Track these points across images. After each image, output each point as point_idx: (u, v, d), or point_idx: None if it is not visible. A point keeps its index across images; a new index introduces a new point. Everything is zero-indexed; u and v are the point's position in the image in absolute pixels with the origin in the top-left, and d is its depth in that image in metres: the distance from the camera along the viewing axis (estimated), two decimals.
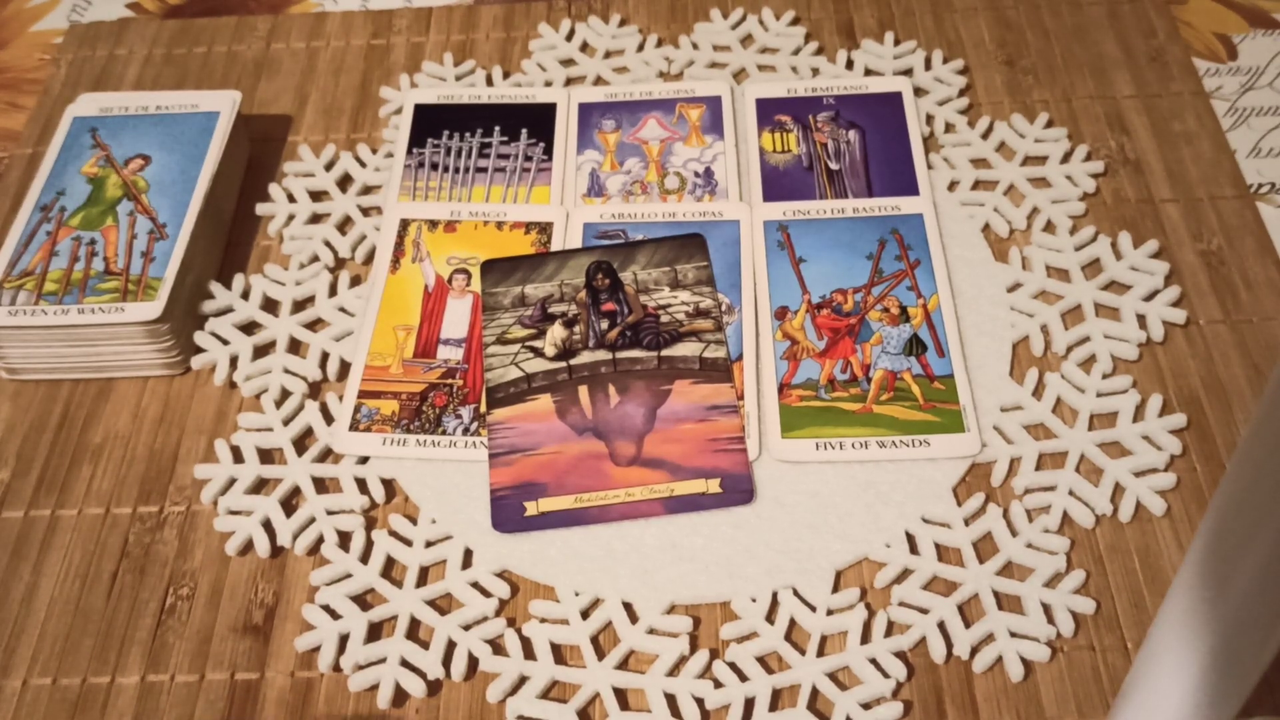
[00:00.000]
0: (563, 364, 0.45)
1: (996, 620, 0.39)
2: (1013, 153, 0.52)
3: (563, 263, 0.48)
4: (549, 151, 0.53)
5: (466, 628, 0.40)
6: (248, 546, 0.42)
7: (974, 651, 0.39)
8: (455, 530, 0.42)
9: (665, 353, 0.45)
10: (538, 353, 0.46)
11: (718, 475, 0.42)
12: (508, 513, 0.42)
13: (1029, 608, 0.39)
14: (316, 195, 0.53)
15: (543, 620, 0.40)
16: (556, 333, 0.46)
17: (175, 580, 0.42)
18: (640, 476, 0.43)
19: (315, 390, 0.47)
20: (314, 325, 0.48)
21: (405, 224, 0.50)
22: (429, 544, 0.42)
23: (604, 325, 0.46)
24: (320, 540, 0.42)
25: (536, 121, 0.54)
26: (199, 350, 0.48)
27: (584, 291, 0.47)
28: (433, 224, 0.50)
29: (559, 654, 0.39)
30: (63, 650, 0.40)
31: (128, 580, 0.42)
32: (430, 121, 0.54)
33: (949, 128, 0.53)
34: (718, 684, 0.38)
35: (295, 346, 0.48)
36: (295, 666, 0.40)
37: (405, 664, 0.39)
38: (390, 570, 0.42)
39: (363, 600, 0.41)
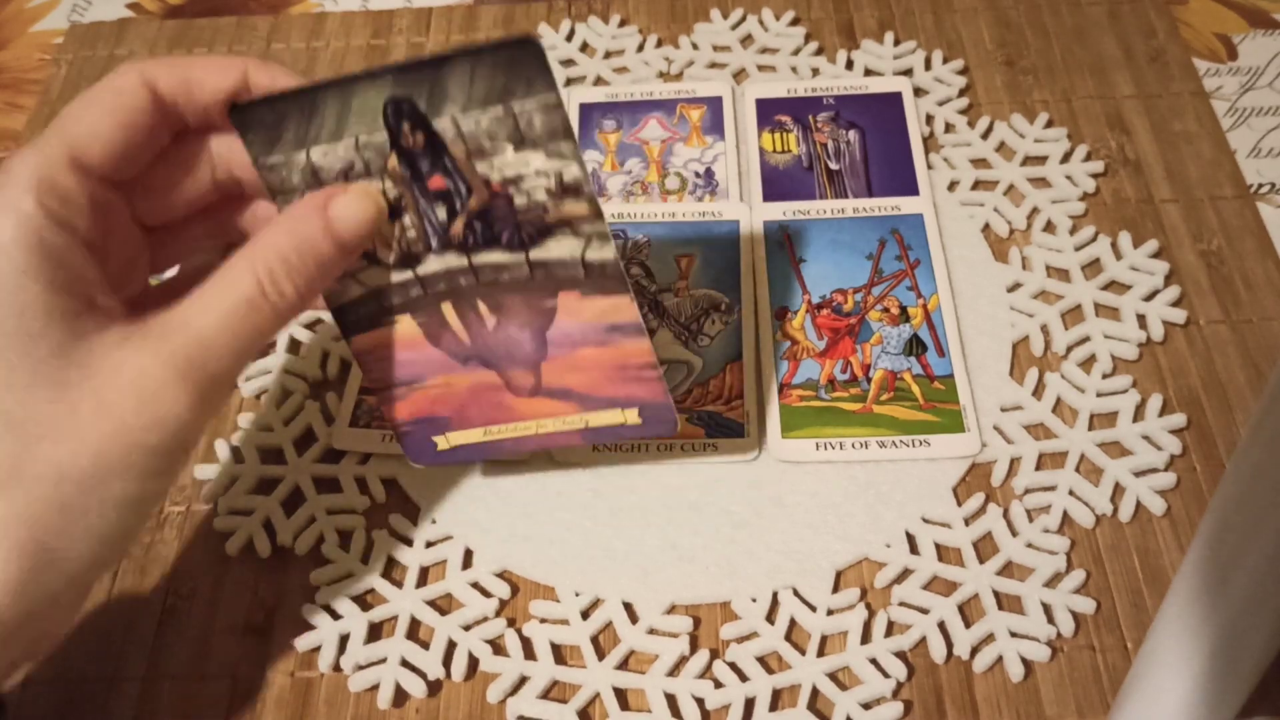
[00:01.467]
0: (409, 273, 0.36)
1: (997, 620, 0.39)
2: (1013, 153, 0.52)
3: (345, 100, 0.33)
4: None
5: (467, 628, 0.40)
6: (248, 546, 0.42)
7: (974, 651, 0.39)
8: (455, 530, 0.42)
9: (534, 254, 0.35)
10: (370, 257, 0.35)
11: (634, 404, 0.38)
12: (420, 446, 0.40)
13: (1029, 608, 0.39)
14: None
15: (543, 620, 0.40)
16: (384, 228, 0.35)
17: (175, 580, 0.42)
18: (548, 408, 0.38)
19: (316, 390, 0.47)
20: (314, 325, 0.48)
21: None
22: (429, 544, 0.42)
23: (441, 214, 0.35)
24: (321, 540, 0.42)
25: None
26: None
27: (394, 157, 0.34)
28: None
29: (559, 654, 0.39)
30: (63, 650, 0.40)
31: (128, 580, 0.42)
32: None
33: (949, 128, 0.53)
34: (718, 684, 0.38)
35: (295, 346, 0.48)
36: (295, 666, 0.40)
37: (405, 664, 0.39)
38: (390, 571, 0.42)
39: (363, 600, 0.41)
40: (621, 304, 0.36)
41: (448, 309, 0.36)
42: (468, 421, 0.39)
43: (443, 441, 0.39)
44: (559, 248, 0.35)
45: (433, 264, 0.36)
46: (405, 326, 0.37)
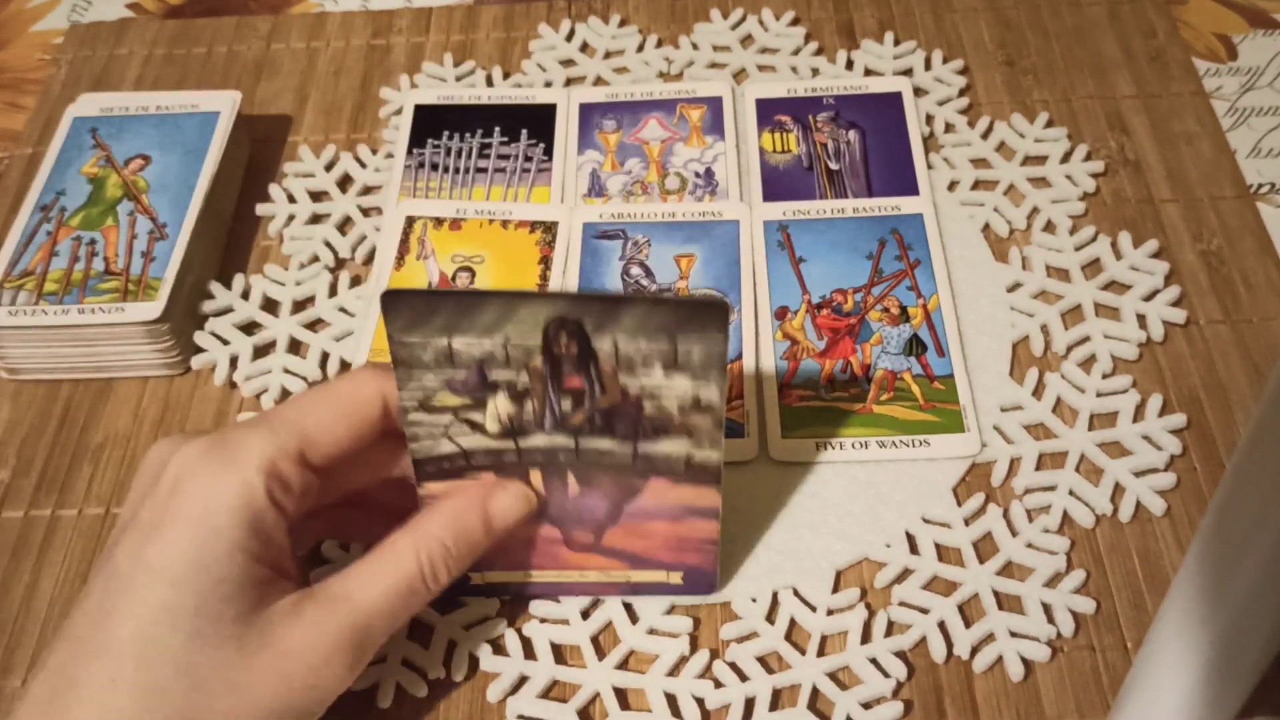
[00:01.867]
0: (509, 444, 0.35)
1: (997, 620, 0.39)
2: (1013, 153, 0.52)
3: (508, 311, 0.32)
4: (549, 152, 0.53)
5: (467, 628, 0.40)
6: None
7: (974, 651, 0.39)
8: None
9: (643, 448, 0.35)
10: (476, 427, 0.35)
11: (680, 569, 0.39)
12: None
13: (1029, 608, 0.39)
14: (317, 195, 0.53)
15: (543, 620, 0.40)
16: (501, 406, 0.34)
17: None
18: (598, 563, 0.38)
19: None
20: (314, 325, 0.48)
21: (410, 221, 0.50)
22: None
23: (566, 406, 0.34)
24: (320, 540, 0.42)
25: (537, 122, 0.54)
26: (199, 350, 0.48)
27: (540, 358, 0.33)
28: (438, 221, 0.50)
29: (559, 654, 0.39)
30: None
31: None
32: (430, 122, 0.54)
33: (949, 128, 0.53)
34: (718, 684, 0.38)
35: (295, 347, 0.48)
36: None
37: (406, 664, 0.39)
38: None
39: None
40: (708, 494, 0.36)
41: (534, 475, 0.36)
42: (512, 564, 0.39)
43: (478, 578, 0.39)
44: (669, 446, 0.35)
45: (538, 440, 0.35)
46: (485, 479, 0.36)
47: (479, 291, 0.34)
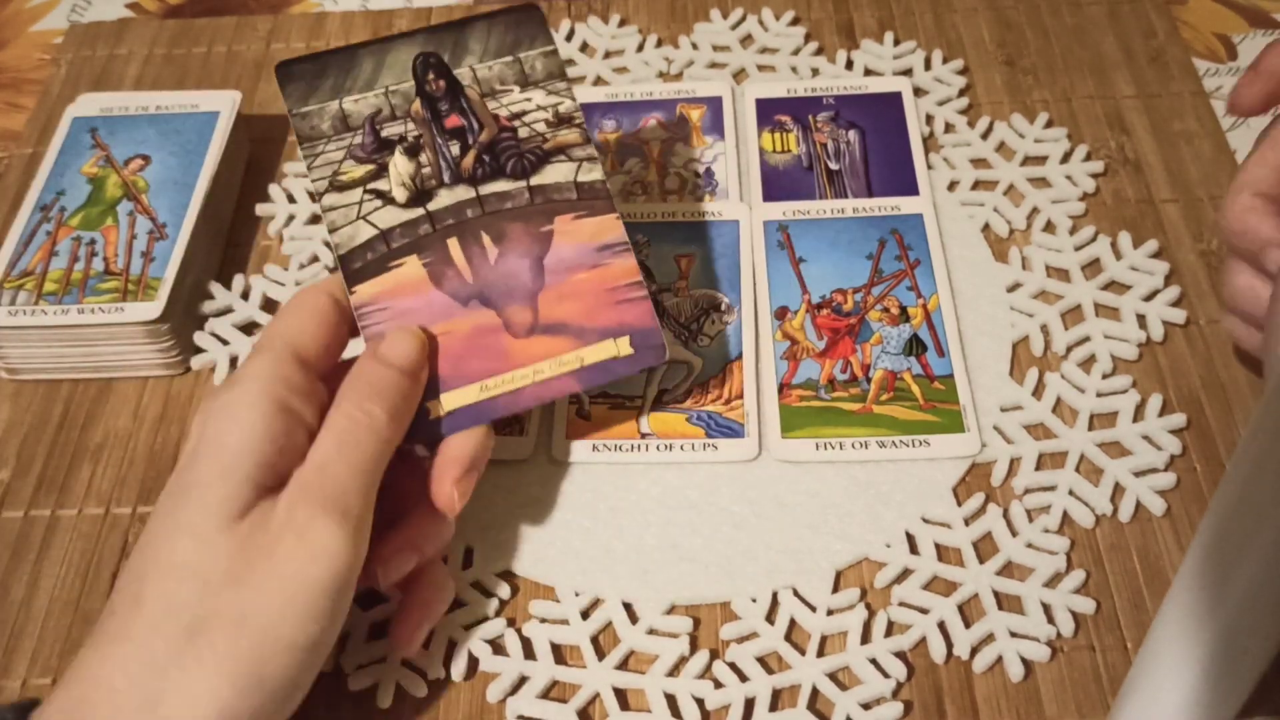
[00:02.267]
0: (420, 210, 0.40)
1: (997, 620, 0.39)
2: (1013, 153, 0.52)
3: (379, 58, 0.40)
4: None
5: (467, 628, 0.40)
6: None
7: (974, 651, 0.39)
8: (456, 529, 0.42)
9: (534, 180, 0.40)
10: (385, 197, 0.39)
11: (625, 333, 0.40)
12: (416, 422, 0.38)
13: (1029, 608, 0.39)
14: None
15: (543, 620, 0.40)
16: (401, 167, 0.39)
17: None
18: (544, 348, 0.39)
19: None
20: None
21: None
22: None
23: (454, 150, 0.40)
24: None
25: None
26: (199, 350, 0.48)
27: (418, 101, 0.40)
28: None
29: (559, 654, 0.39)
30: (62, 650, 0.40)
31: None
32: None
33: (949, 128, 0.53)
34: (718, 684, 0.38)
35: None
36: None
37: (405, 664, 0.39)
38: None
39: (363, 600, 0.41)
40: (609, 222, 0.40)
41: (453, 244, 0.39)
42: (464, 375, 0.39)
43: (435, 407, 0.38)
44: (555, 173, 0.40)
45: (443, 198, 0.40)
46: (410, 269, 0.39)
47: (353, 45, 0.41)
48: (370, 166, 0.40)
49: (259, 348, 0.37)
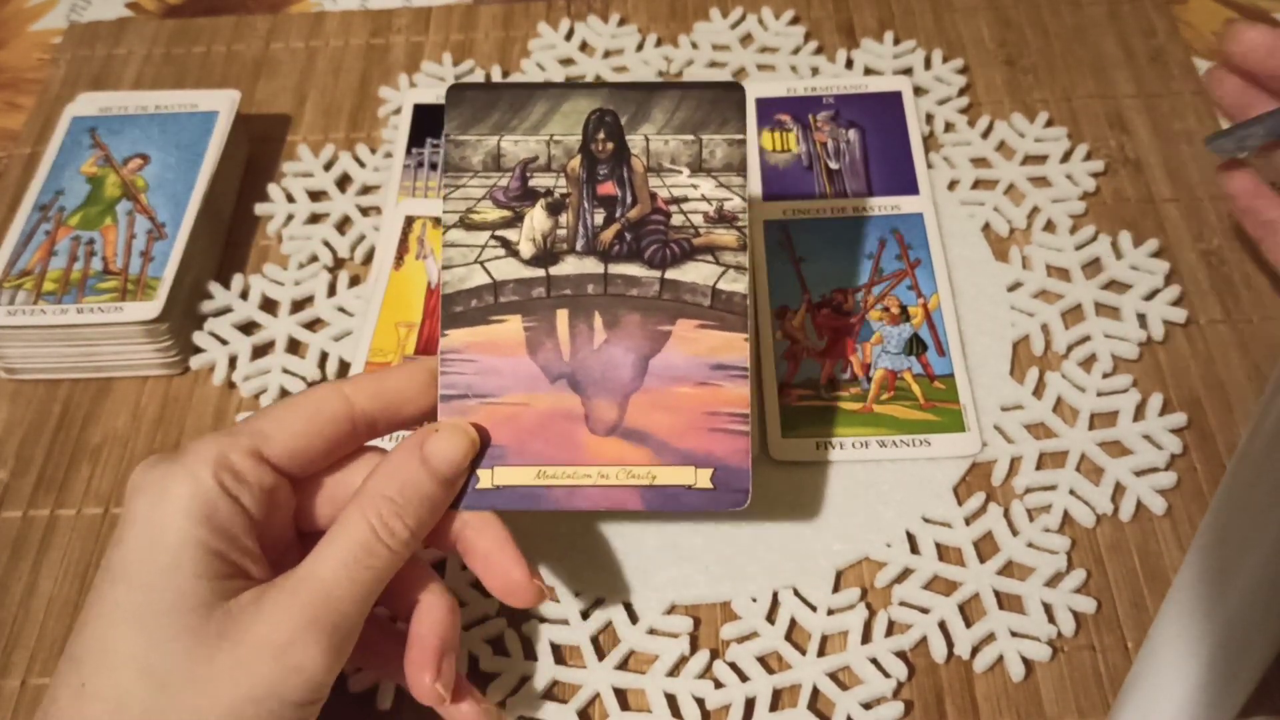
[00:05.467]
0: (540, 271, 0.37)
1: (997, 620, 0.39)
2: (1013, 152, 0.52)
3: (556, 103, 0.37)
4: None
5: (468, 628, 0.40)
6: None
7: (975, 651, 0.39)
8: None
9: (670, 274, 0.37)
10: (510, 248, 0.37)
11: (710, 465, 0.36)
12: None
13: (1030, 607, 0.39)
14: (315, 195, 0.53)
15: (543, 620, 0.40)
16: (538, 221, 0.37)
17: None
18: (618, 453, 0.36)
19: None
20: (313, 325, 0.48)
21: (410, 221, 0.50)
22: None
23: (598, 218, 0.37)
24: None
25: None
26: (198, 350, 0.48)
27: (578, 159, 0.37)
28: (437, 221, 0.50)
29: (559, 654, 0.39)
30: (62, 650, 0.40)
31: None
32: (429, 121, 0.54)
33: (949, 127, 0.53)
34: (718, 684, 0.38)
35: (294, 346, 0.48)
36: None
37: None
38: None
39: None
40: (735, 340, 0.36)
41: (562, 316, 0.37)
42: (525, 454, 0.36)
43: (487, 477, 0.36)
44: (695, 272, 0.37)
45: (568, 265, 0.37)
46: (510, 328, 0.37)
47: (533, 84, 0.39)
48: (507, 212, 0.37)
49: (216, 431, 0.34)
